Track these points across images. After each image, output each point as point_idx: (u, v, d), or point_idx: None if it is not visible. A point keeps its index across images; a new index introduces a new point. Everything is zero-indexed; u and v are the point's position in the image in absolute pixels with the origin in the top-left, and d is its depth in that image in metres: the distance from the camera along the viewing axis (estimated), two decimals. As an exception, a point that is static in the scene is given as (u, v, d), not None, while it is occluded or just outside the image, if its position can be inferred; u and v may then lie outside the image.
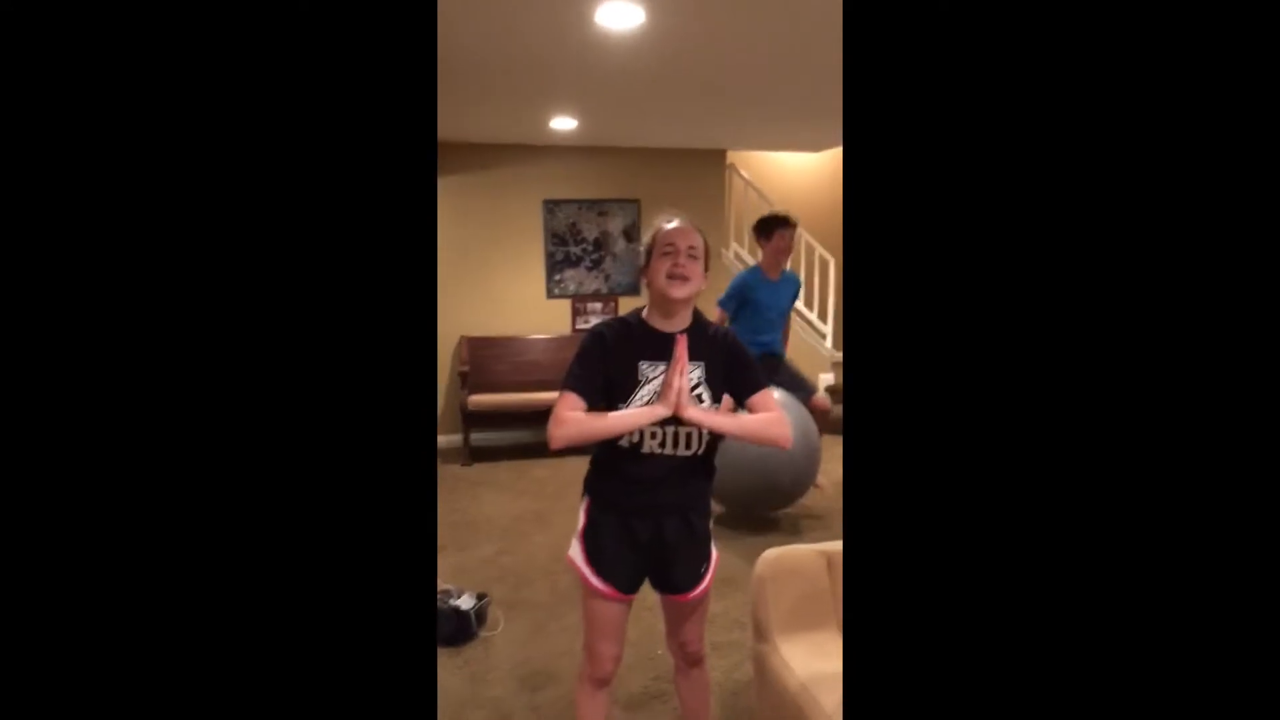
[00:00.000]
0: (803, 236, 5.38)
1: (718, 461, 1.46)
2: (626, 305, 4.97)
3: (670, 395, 1.27)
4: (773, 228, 3.09)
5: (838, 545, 1.65)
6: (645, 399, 1.32)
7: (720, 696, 2.03)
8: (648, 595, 1.50)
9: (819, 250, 5.35)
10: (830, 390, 5.27)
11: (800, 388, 3.20)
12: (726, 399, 1.43)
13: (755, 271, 3.18)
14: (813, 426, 3.10)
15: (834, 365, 5.42)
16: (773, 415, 1.38)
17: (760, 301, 3.11)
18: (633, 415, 1.30)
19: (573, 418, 1.29)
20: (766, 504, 3.12)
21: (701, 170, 5.04)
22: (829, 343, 5.34)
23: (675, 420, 1.29)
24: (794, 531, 3.24)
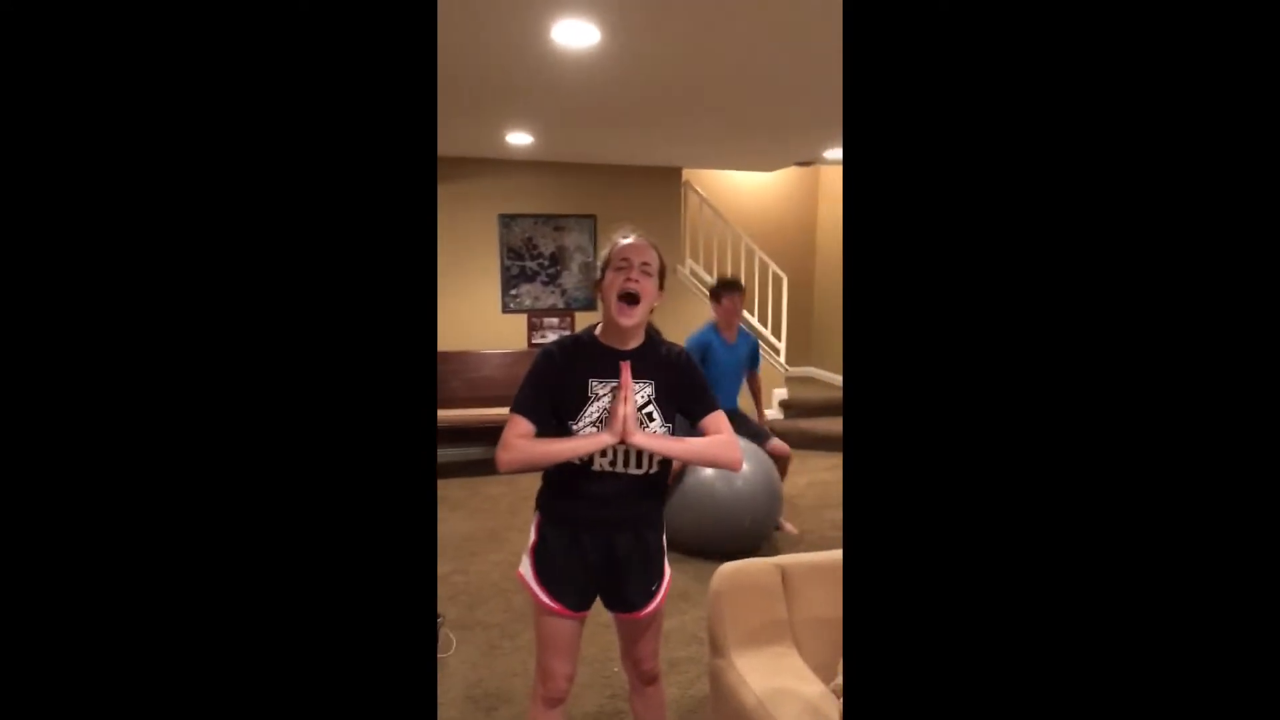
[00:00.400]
0: (755, 254, 5.47)
1: (677, 505, 1.46)
2: (583, 320, 4.96)
3: (615, 424, 1.27)
4: (721, 292, 3.33)
5: (793, 558, 1.67)
6: (594, 416, 1.32)
7: (677, 713, 2.02)
8: (604, 613, 1.48)
9: (772, 267, 5.44)
10: (783, 404, 5.35)
11: (756, 436, 3.33)
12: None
13: (712, 330, 3.36)
14: (774, 471, 3.22)
15: (787, 380, 5.50)
16: (722, 438, 1.38)
17: (717, 360, 3.28)
18: (579, 443, 1.30)
19: (519, 444, 1.29)
20: (727, 547, 3.15)
21: (658, 187, 5.09)
22: (782, 357, 5.43)
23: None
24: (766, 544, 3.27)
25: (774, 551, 3.13)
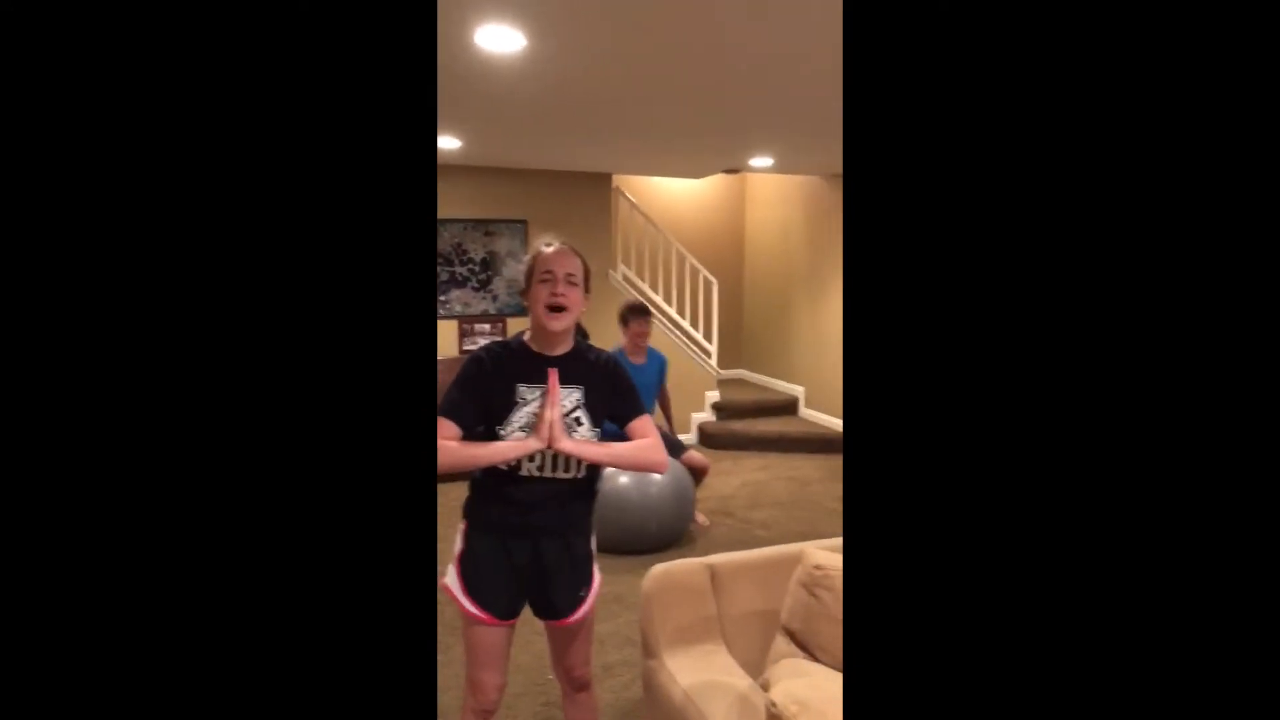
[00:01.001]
0: (686, 259, 5.54)
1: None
2: (516, 326, 4.91)
3: (542, 429, 1.28)
4: (628, 317, 3.43)
5: (722, 557, 1.70)
6: (522, 422, 1.32)
7: (612, 717, 2.03)
8: (537, 620, 1.48)
9: (703, 272, 5.53)
10: (715, 406, 5.44)
11: (671, 450, 3.42)
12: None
13: (620, 355, 3.42)
14: (686, 480, 3.34)
15: (719, 383, 5.59)
16: (647, 442, 1.40)
17: None
18: (505, 447, 1.30)
19: (444, 446, 1.28)
20: (637, 548, 3.25)
21: (588, 192, 5.10)
22: (713, 360, 5.52)
23: None
24: (679, 544, 3.31)
25: (685, 550, 3.18)
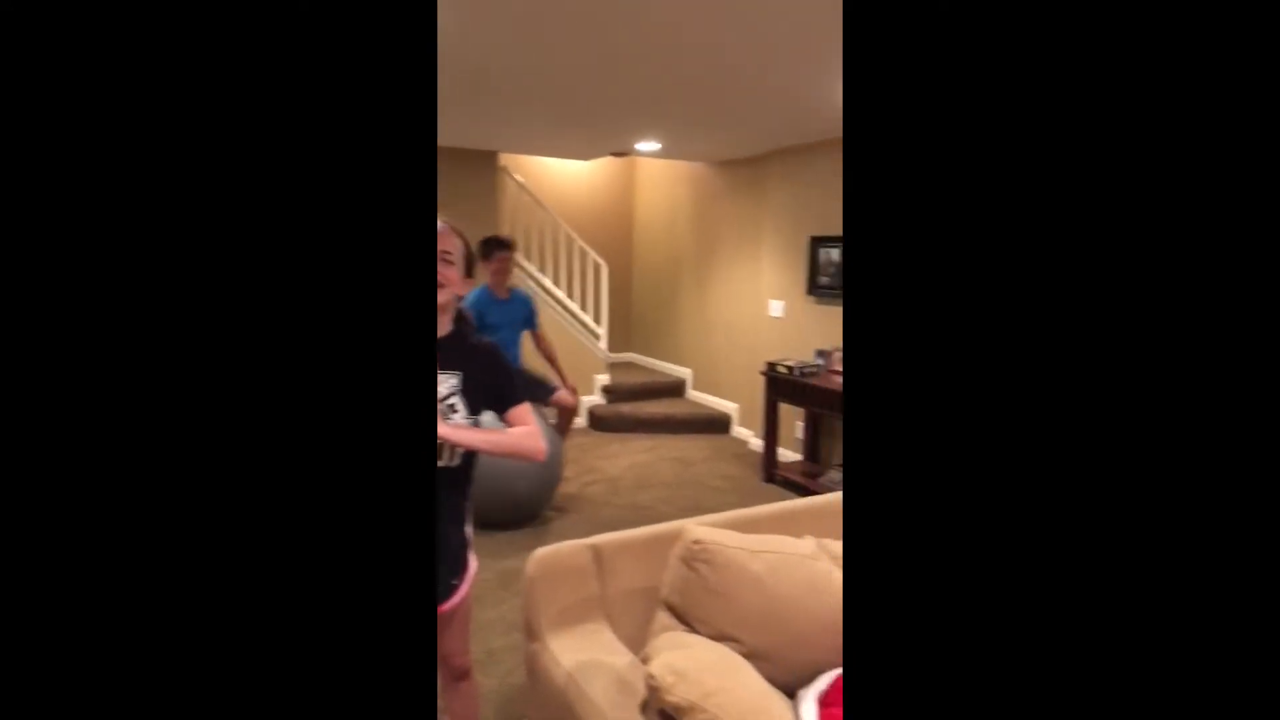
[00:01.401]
0: (575, 242, 5.51)
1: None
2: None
3: None
4: (491, 250, 3.30)
5: (605, 537, 1.72)
6: None
7: (496, 704, 2.01)
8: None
9: (592, 255, 5.52)
10: (605, 389, 5.46)
11: (540, 389, 3.41)
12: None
13: (484, 292, 3.36)
14: (554, 434, 3.32)
15: (608, 366, 5.62)
16: (526, 429, 1.39)
17: (492, 321, 3.30)
18: None
19: None
20: (511, 516, 3.24)
21: (473, 170, 4.94)
22: (603, 344, 5.53)
23: None
24: (551, 517, 3.32)
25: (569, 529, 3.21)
